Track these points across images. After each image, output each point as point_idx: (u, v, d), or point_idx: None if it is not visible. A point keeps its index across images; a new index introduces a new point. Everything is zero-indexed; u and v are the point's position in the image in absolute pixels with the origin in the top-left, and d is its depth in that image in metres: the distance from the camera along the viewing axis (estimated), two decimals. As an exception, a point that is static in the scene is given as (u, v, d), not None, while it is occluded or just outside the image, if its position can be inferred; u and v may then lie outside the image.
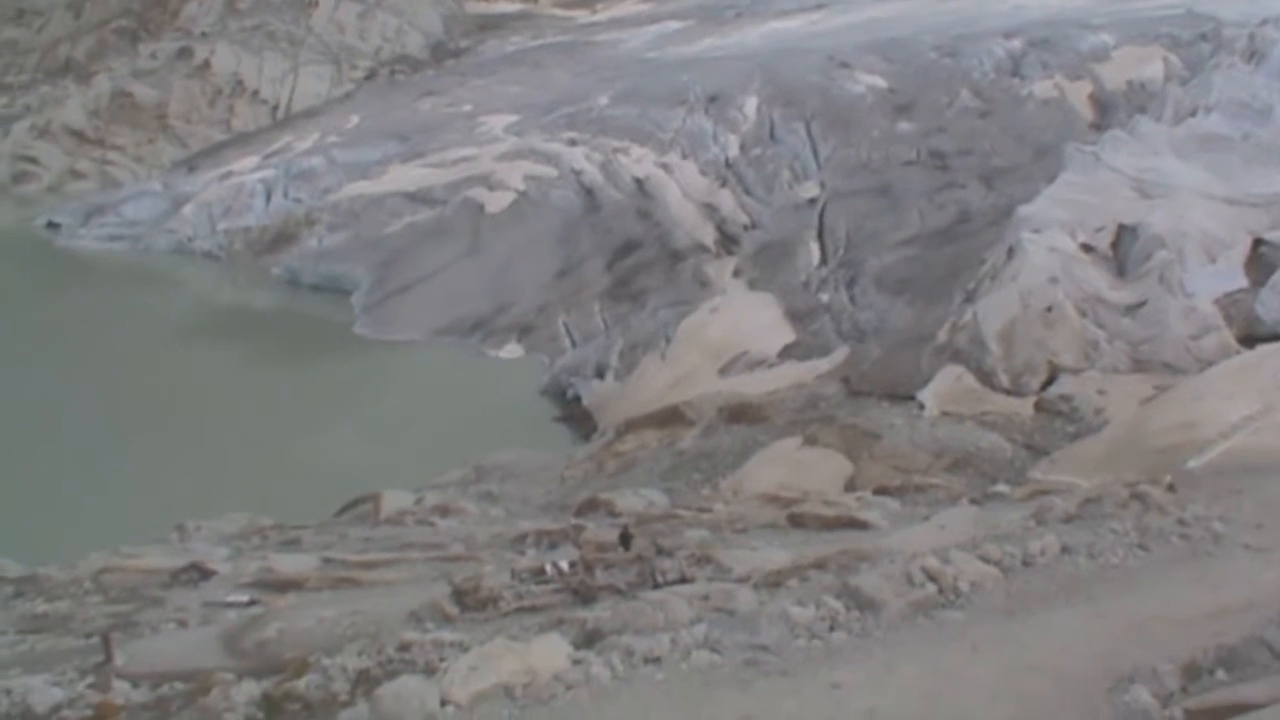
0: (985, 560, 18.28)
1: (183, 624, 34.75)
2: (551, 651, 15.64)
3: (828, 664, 14.81)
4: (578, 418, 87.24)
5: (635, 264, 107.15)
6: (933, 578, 17.34)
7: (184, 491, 70.28)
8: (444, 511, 58.61)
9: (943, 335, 74.00)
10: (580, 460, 74.26)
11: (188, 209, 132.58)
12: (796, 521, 42.38)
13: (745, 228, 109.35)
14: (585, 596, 28.63)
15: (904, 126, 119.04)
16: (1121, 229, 76.24)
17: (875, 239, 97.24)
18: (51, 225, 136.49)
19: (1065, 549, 19.04)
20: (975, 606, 16.68)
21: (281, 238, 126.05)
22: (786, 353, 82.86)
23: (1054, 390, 65.41)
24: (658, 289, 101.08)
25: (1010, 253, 75.89)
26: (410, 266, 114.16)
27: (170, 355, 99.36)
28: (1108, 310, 70.86)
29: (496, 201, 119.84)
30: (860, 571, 19.18)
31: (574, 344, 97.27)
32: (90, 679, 25.63)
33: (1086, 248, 75.78)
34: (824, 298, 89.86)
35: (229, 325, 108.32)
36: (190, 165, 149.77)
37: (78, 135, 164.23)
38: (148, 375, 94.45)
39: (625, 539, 35.20)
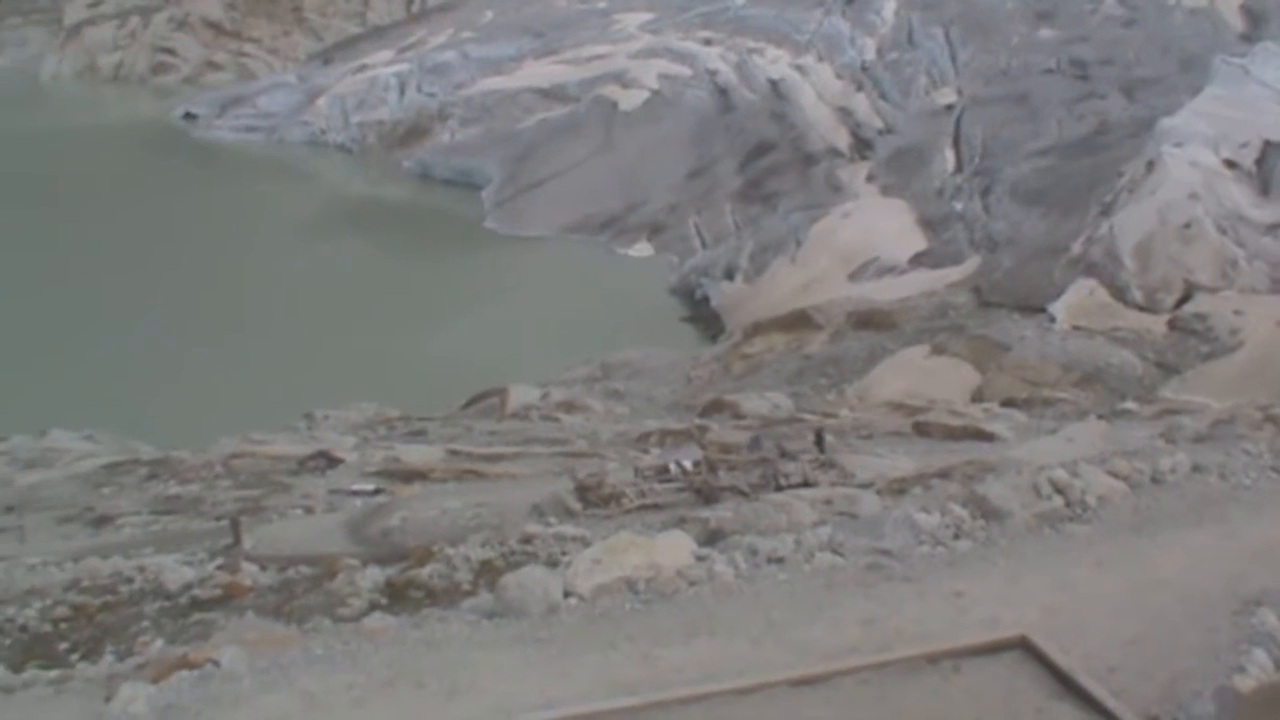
0: (1114, 475, 17.94)
1: (309, 510, 35.25)
2: (676, 547, 15.64)
3: (951, 571, 14.70)
4: (705, 318, 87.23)
5: (768, 166, 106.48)
6: (1060, 490, 17.09)
7: (312, 380, 71.20)
8: (569, 407, 58.88)
9: (1076, 248, 73.04)
10: (706, 361, 74.24)
11: (322, 101, 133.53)
12: (922, 430, 42.14)
13: (880, 132, 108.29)
14: (707, 496, 28.64)
15: (1045, 33, 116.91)
16: (1268, 145, 74.54)
17: (1011, 148, 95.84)
18: (188, 116, 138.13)
19: (1196, 468, 18.63)
20: (1102, 521, 16.43)
21: (414, 132, 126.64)
22: (917, 260, 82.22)
23: (1189, 308, 64.45)
24: (789, 192, 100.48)
25: (1150, 166, 74.60)
26: (542, 163, 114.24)
27: (302, 246, 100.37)
28: (1248, 228, 69.50)
29: (630, 99, 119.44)
30: (986, 481, 18.94)
31: (704, 244, 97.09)
32: (219, 560, 26.07)
33: (1229, 164, 74.28)
34: (957, 206, 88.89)
35: (360, 217, 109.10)
36: (325, 58, 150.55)
37: (215, 27, 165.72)
38: (279, 265, 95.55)
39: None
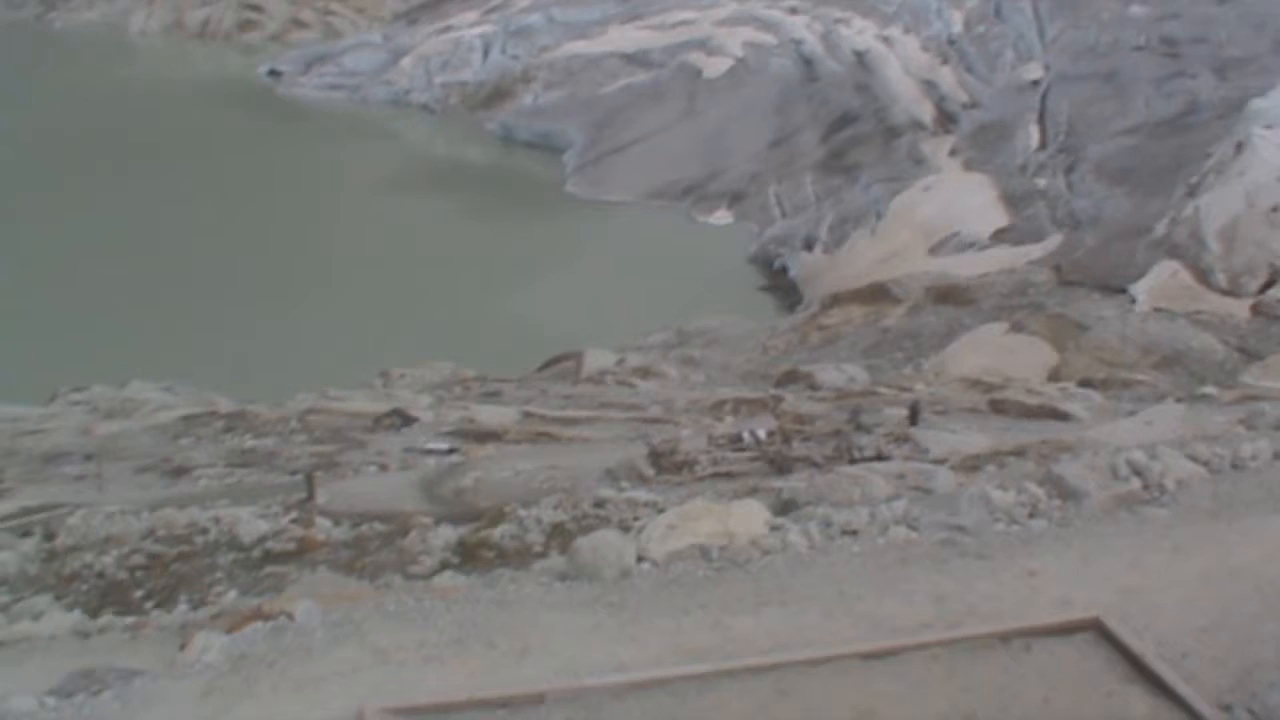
0: (1193, 460, 17.77)
1: (383, 467, 35.50)
2: (750, 516, 15.65)
3: (1025, 550, 14.62)
4: (783, 288, 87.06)
5: (850, 137, 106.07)
6: (1138, 472, 16.94)
7: (390, 339, 71.61)
8: (644, 373, 58.91)
9: (1160, 229, 72.27)
10: (783, 331, 74.11)
11: (406, 61, 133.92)
12: (997, 407, 41.90)
13: (964, 106, 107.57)
14: (781, 466, 28.64)
15: (1135, 10, 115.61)
16: (1360, 128, 73.45)
17: (1097, 125, 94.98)
18: (273, 73, 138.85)
19: (1277, 455, 18.43)
20: (1180, 505, 16.28)
21: (497, 94, 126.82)
22: (998, 236, 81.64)
23: (1273, 293, 63.61)
24: (871, 164, 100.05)
25: (1239, 148, 73.61)
26: (624, 128, 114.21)
27: (383, 206, 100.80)
28: (1339, 214, 68.55)
29: (714, 67, 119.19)
30: (1062, 461, 18.82)
31: (784, 214, 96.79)
32: (294, 514, 26.31)
33: (1321, 147, 73.20)
34: (1040, 183, 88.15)
35: (442, 178, 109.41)
36: (410, 18, 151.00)
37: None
38: (360, 224, 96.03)
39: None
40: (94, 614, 21.49)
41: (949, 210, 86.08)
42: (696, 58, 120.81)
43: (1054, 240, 78.47)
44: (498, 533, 23.32)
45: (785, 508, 18.20)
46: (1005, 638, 12.29)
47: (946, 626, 12.60)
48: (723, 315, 76.21)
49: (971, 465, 24.33)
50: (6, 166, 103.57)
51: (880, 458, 28.02)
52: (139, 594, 23.34)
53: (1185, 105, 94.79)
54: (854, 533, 15.36)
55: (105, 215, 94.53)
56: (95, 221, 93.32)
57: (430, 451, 37.03)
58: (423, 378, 60.48)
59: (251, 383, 59.20)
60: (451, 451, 36.69)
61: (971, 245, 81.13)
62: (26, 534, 26.36)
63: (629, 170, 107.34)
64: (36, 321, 76.64)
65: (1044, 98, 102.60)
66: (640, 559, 14.80)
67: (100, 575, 24.13)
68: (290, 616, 14.21)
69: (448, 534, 23.58)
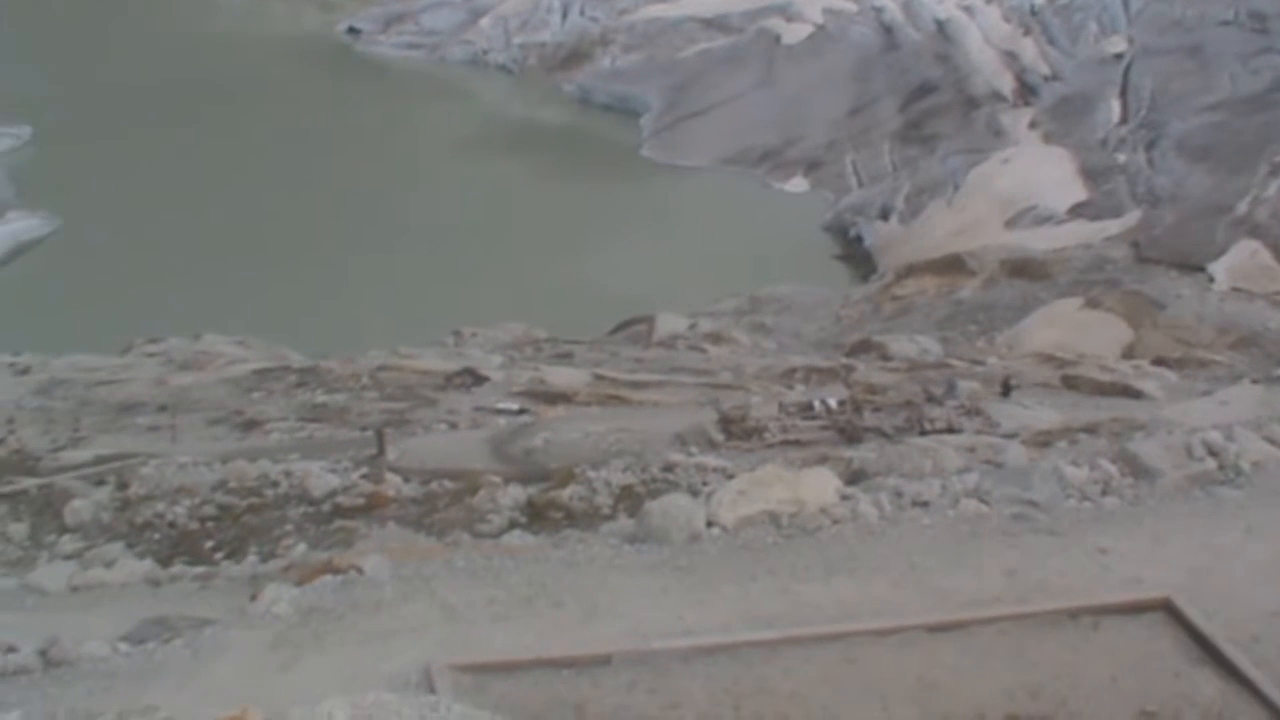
0: (1270, 441, 17.57)
1: (453, 426, 35.70)
2: (821, 484, 15.60)
3: (1096, 527, 14.52)
4: (857, 257, 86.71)
5: (929, 107, 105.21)
6: (1213, 453, 16.77)
7: (462, 298, 71.77)
8: (716, 339, 58.93)
9: (1242, 207, 71.52)
10: (856, 300, 73.89)
11: (485, 21, 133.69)
12: (1070, 383, 41.69)
13: (1045, 79, 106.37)
14: (851, 436, 28.61)
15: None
16: None
17: (1181, 101, 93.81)
18: (352, 31, 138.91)
19: (1356, 438, 18.22)
20: (1255, 487, 16.10)
21: (575, 55, 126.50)
22: (1076, 211, 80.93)
23: (1355, 275, 62.96)
24: (950, 135, 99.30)
25: (1325, 126, 72.72)
26: (701, 93, 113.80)
27: (458, 165, 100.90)
28: None
29: (793, 33, 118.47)
30: (1136, 439, 18.67)
31: (860, 183, 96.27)
32: (364, 470, 26.50)
33: None
34: (1120, 158, 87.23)
35: (518, 139, 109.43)
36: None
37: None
38: (436, 183, 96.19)
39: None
40: (165, 563, 21.76)
41: (1027, 183, 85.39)
42: (776, 24, 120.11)
43: (1132, 216, 77.71)
44: (566, 494, 23.42)
45: (855, 477, 18.19)
46: (1074, 615, 12.25)
47: (1015, 601, 12.56)
48: (796, 283, 76.03)
49: (1043, 441, 24.22)
50: (85, 120, 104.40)
51: (951, 430, 27.93)
52: (209, 544, 23.61)
53: (1272, 81, 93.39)
54: (925, 504, 15.30)
55: (182, 169, 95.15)
56: (172, 175, 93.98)
57: (501, 411, 37.22)
58: (494, 337, 60.72)
59: (324, 339, 59.54)
60: (522, 412, 36.86)
61: (1048, 219, 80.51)
62: (101, 483, 26.70)
63: (705, 135, 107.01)
64: (113, 273, 77.35)
65: (1127, 71, 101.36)
66: (709, 524, 14.81)
67: (172, 525, 24.42)
68: (360, 571, 14.33)
69: (516, 493, 23.70)
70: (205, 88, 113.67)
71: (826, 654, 11.26)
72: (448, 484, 25.08)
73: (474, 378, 43.95)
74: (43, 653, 13.41)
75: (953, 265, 72.92)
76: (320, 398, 43.08)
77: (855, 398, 32.56)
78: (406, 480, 25.66)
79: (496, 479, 24.98)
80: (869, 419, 30.06)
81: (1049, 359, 50.05)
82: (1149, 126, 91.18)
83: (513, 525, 21.83)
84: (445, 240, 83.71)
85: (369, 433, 30.90)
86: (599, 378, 43.85)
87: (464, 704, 7.38)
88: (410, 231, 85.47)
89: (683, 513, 14.77)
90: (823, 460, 21.77)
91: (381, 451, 28.12)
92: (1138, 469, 16.34)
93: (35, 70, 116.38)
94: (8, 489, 26.42)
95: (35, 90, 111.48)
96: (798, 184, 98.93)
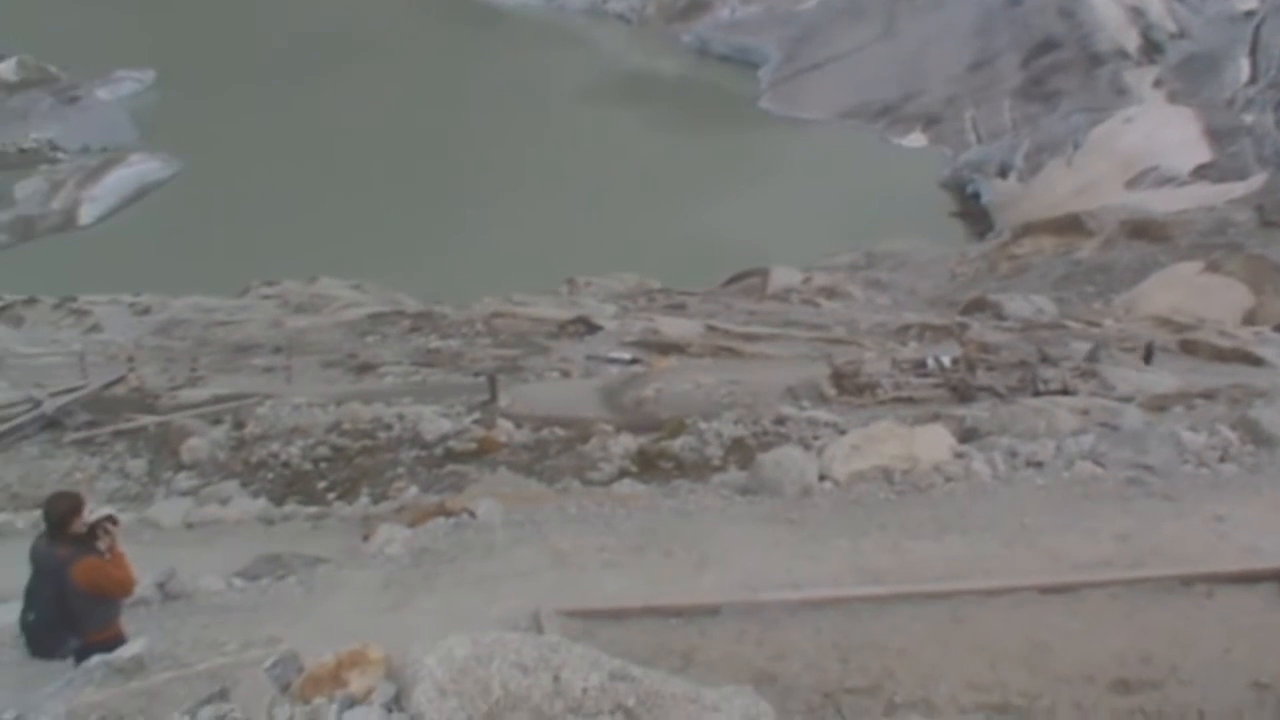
0: (1394, 411, 17.23)
1: (565, 374, 35.87)
2: (935, 441, 15.48)
3: (1213, 494, 14.27)
4: (974, 215, 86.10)
5: (1051, 64, 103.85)
6: (1336, 421, 16.50)
7: (576, 247, 71.99)
8: (830, 293, 58.73)
9: (1374, 171, 70.23)
10: (972, 258, 73.36)
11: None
12: (1188, 348, 41.16)
13: (1172, 36, 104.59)
14: (964, 395, 28.45)
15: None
16: None
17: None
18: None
19: None
20: (1377, 456, 15.80)
21: (694, 6, 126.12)
22: (1199, 172, 79.79)
23: None
24: (1072, 92, 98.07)
25: None
26: (821, 45, 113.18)
27: (575, 114, 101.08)
28: None
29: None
30: (1256, 406, 18.33)
31: (979, 139, 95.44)
32: (476, 415, 26.68)
33: None
34: (1247, 119, 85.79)
35: (635, 89, 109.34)
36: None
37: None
38: (552, 132, 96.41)
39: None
40: (278, 502, 22.09)
41: (1149, 143, 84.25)
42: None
43: (1258, 179, 76.52)
44: (677, 444, 23.47)
45: (967, 436, 18.05)
46: (1188, 582, 12.06)
47: (1128, 566, 12.40)
48: (912, 239, 75.64)
49: (1159, 405, 23.93)
50: (207, 67, 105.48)
51: (1066, 391, 27.66)
52: (322, 485, 23.91)
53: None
54: (1039, 465, 15.14)
55: (301, 116, 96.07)
56: (291, 122, 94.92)
57: (613, 360, 37.32)
58: (608, 287, 60.88)
59: (438, 284, 60.00)
60: (634, 361, 36.95)
61: (1171, 180, 79.46)
62: (217, 421, 27.11)
63: (824, 88, 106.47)
64: (231, 216, 78.34)
65: (1258, 29, 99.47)
66: (822, 477, 14.76)
67: (286, 465, 24.75)
68: (472, 514, 14.43)
69: (627, 442, 23.78)
70: (324, 36, 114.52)
71: (935, 612, 11.19)
72: (559, 431, 25.21)
73: (587, 326, 44.12)
74: (160, 585, 13.65)
75: (1071, 225, 72.15)
76: (434, 343, 43.44)
77: (969, 356, 32.35)
78: (518, 426, 25.81)
79: (608, 427, 25.09)
80: (982, 378, 29.88)
81: (1166, 323, 49.42)
82: (1278, 87, 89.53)
83: (623, 474, 21.91)
84: (560, 189, 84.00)
85: (481, 378, 31.09)
86: (712, 329, 43.86)
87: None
88: (525, 180, 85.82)
89: (795, 465, 14.73)
90: (935, 418, 21.63)
91: (494, 397, 28.29)
92: (1258, 436, 16.04)
93: (159, 17, 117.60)
94: (127, 426, 26.87)
95: (159, 36, 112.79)
96: (916, 139, 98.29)
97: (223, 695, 6.27)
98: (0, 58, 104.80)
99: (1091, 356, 33.56)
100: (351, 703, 6.01)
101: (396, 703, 5.95)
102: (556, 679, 5.96)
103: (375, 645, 6.37)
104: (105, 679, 6.60)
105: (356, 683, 6.11)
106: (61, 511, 10.34)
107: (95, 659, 6.90)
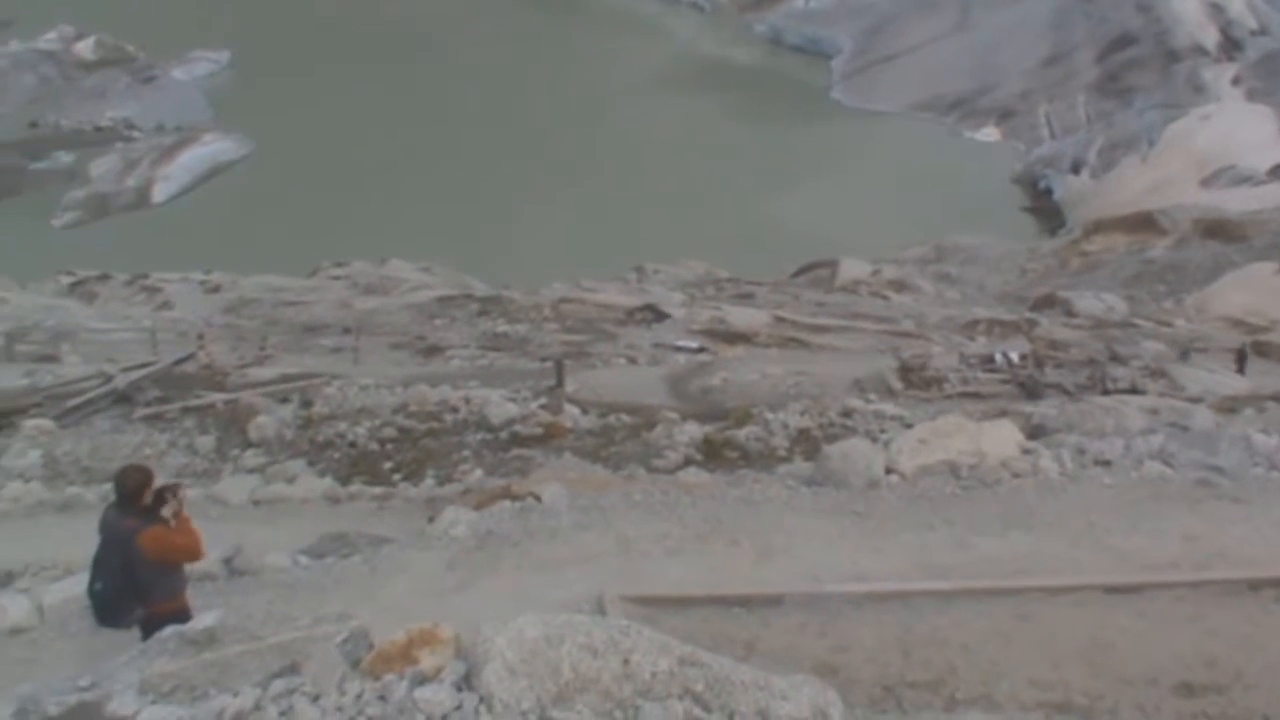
0: None
1: (632, 361, 35.92)
2: (1003, 437, 15.42)
3: (1283, 499, 14.27)
4: (1046, 210, 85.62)
5: (1127, 59, 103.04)
6: None
7: (646, 234, 72.05)
8: (899, 286, 58.59)
9: None
10: (1043, 254, 72.96)
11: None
12: (1260, 350, 40.82)
13: (1252, 33, 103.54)
14: (1032, 391, 28.33)
15: None
16: None
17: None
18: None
19: None
20: None
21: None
22: (1276, 172, 78.98)
23: None
24: (1147, 88, 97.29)
25: None
26: (895, 37, 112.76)
27: (647, 102, 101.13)
28: None
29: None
30: (1329, 409, 18.26)
31: (1052, 135, 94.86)
32: (542, 400, 26.75)
33: None
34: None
35: (708, 78, 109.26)
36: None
37: None
38: (624, 119, 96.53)
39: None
40: (344, 481, 22.22)
41: (1226, 141, 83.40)
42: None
43: (1336, 181, 75.75)
44: (743, 433, 23.49)
45: (1035, 432, 17.97)
46: (1255, 586, 11.97)
47: (1195, 568, 12.33)
48: (982, 234, 75.26)
49: (1229, 407, 23.76)
50: (280, 50, 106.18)
51: (1134, 390, 27.53)
52: (388, 465, 24.04)
53: None
54: (1107, 463, 15.06)
55: (372, 99, 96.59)
56: (363, 105, 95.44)
57: (680, 348, 37.39)
58: (676, 274, 60.94)
59: (508, 269, 60.19)
60: (701, 350, 37.00)
61: (1247, 179, 78.67)
62: (285, 400, 27.29)
63: (896, 80, 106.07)
64: (302, 196, 78.82)
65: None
66: (888, 471, 14.75)
67: (352, 445, 24.90)
68: (538, 499, 14.51)
69: (693, 431, 23.80)
70: (398, 21, 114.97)
71: (1000, 608, 11.17)
72: (625, 418, 25.26)
73: (655, 314, 44.20)
74: (227, 561, 13.83)
75: (1143, 223, 71.60)
76: (502, 327, 43.62)
77: (1037, 352, 32.24)
78: (584, 412, 25.87)
79: (674, 415, 25.11)
80: (1050, 375, 29.76)
81: (1239, 324, 49.05)
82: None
83: (688, 462, 21.94)
84: (630, 176, 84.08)
85: (548, 364, 31.17)
86: (779, 320, 43.84)
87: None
88: (596, 166, 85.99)
89: (862, 458, 14.72)
90: (1002, 414, 21.54)
91: (560, 383, 28.35)
92: (1330, 441, 15.92)
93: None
94: (196, 403, 27.10)
95: (234, 18, 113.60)
96: (989, 133, 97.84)
97: (294, 669, 6.36)
98: (79, 37, 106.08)
99: (1184, 355, 33.53)
100: (422, 680, 6.09)
101: (466, 681, 6.02)
102: (626, 662, 6.02)
103: (445, 624, 6.45)
104: (178, 650, 6.71)
105: (427, 660, 6.18)
106: (134, 484, 10.51)
107: (169, 629, 7.01)
